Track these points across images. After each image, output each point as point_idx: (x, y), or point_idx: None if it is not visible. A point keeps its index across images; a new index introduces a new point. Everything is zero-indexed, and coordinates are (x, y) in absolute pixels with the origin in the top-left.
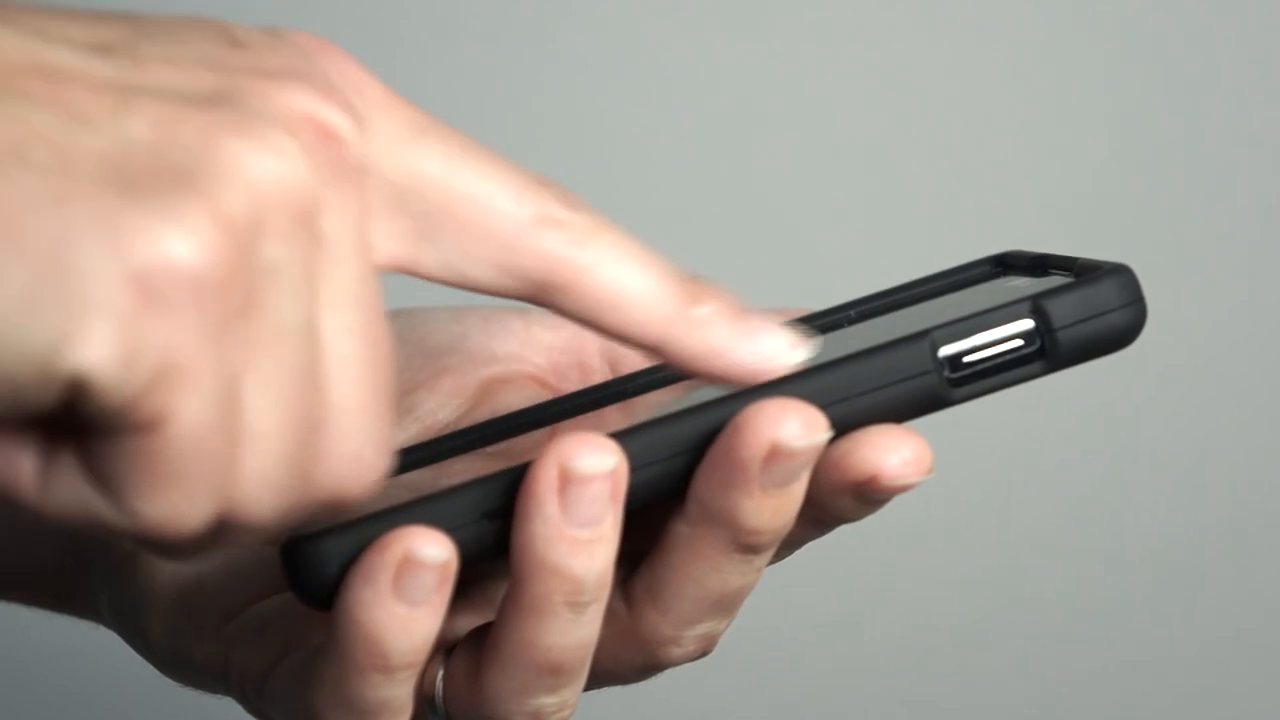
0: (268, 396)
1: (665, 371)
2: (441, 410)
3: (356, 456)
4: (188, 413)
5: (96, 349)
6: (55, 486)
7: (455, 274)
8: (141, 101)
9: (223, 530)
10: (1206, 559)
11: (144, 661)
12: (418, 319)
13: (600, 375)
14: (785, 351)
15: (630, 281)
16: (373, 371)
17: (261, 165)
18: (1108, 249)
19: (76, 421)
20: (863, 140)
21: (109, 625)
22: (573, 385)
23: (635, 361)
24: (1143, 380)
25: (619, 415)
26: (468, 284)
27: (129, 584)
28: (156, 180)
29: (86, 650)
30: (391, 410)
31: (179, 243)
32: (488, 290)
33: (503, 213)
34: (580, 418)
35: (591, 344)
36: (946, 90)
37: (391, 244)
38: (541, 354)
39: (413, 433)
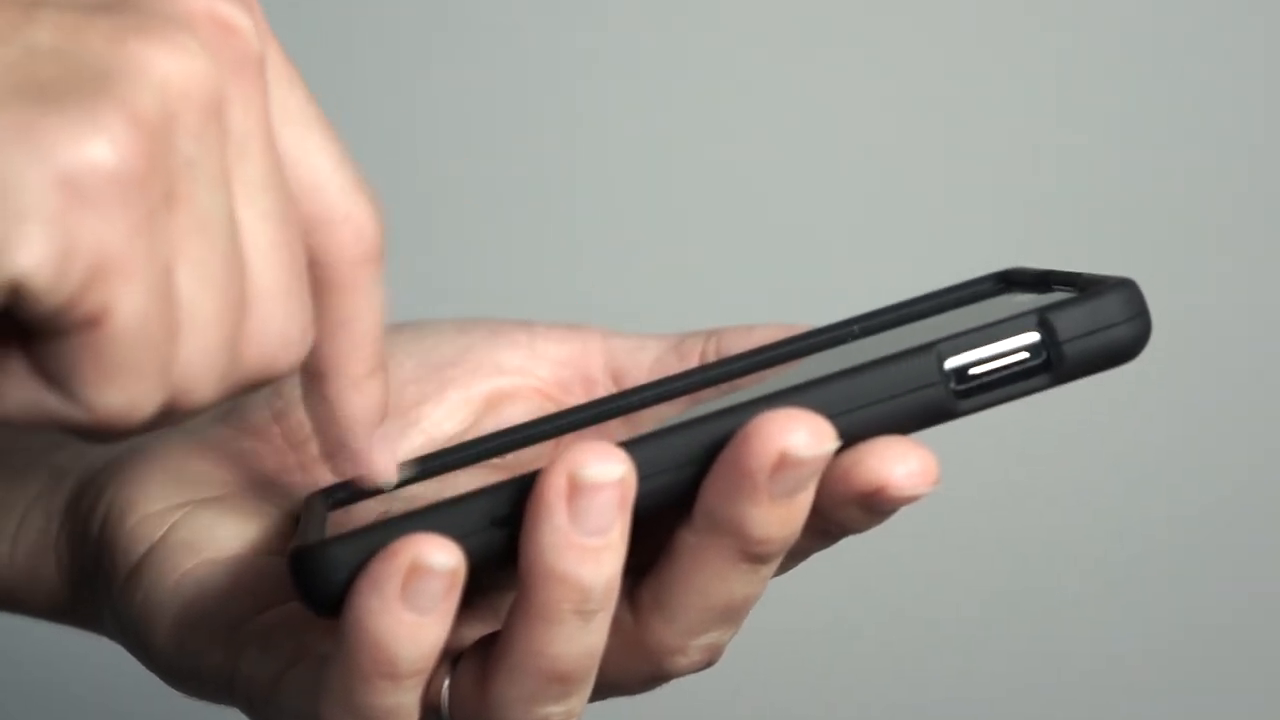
0: (199, 283)
1: (669, 386)
2: (447, 422)
3: (283, 334)
4: (126, 304)
5: (31, 253)
6: (8, 389)
7: None
8: (45, 12)
9: (169, 413)
10: (1207, 562)
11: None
12: (424, 331)
13: (604, 389)
14: (390, 470)
15: (366, 321)
16: (291, 254)
17: (168, 63)
18: (1112, 263)
19: (21, 325)
20: (869, 159)
21: (112, 637)
22: (577, 399)
23: (639, 376)
24: (1143, 391)
25: (623, 429)
26: None
27: (132, 597)
28: (69, 86)
29: (88, 655)
30: (308, 290)
31: (98, 144)
32: None
33: (328, 195)
34: (584, 431)
35: (596, 358)
36: (953, 109)
37: None
38: (546, 367)
39: (418, 444)
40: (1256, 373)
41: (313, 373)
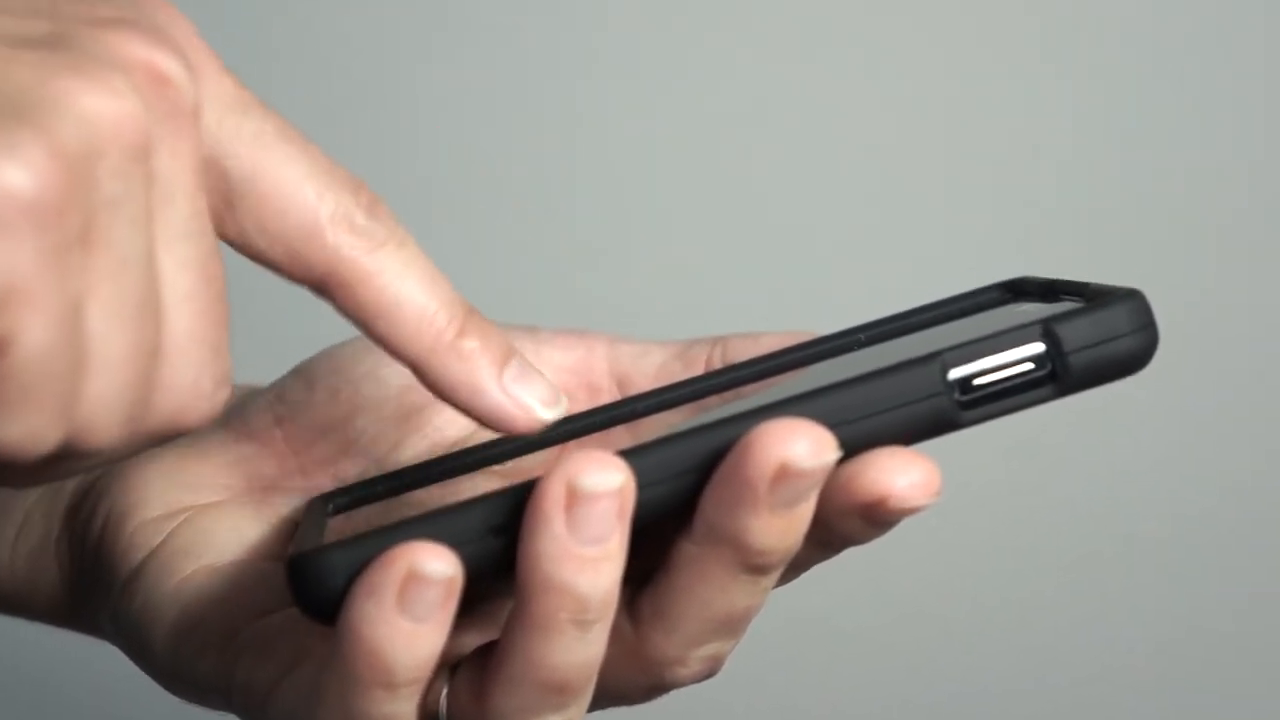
0: (110, 323)
1: (673, 393)
2: (450, 427)
3: (195, 386)
4: (31, 335)
5: None
6: None
7: (246, 244)
8: None
9: (68, 455)
10: (1208, 563)
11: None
12: None
13: (608, 395)
14: (539, 406)
15: (407, 298)
16: (209, 304)
17: (96, 101)
18: (1111, 265)
19: None
20: (869, 159)
21: (112, 641)
22: (581, 405)
23: (644, 382)
24: (1144, 390)
25: (626, 436)
26: (255, 257)
27: (131, 602)
28: None
29: (85, 659)
30: (227, 344)
31: (15, 172)
32: (273, 269)
33: (303, 203)
34: (588, 438)
35: (601, 364)
36: (955, 109)
37: None
38: (550, 374)
39: (421, 449)
40: (1258, 374)
41: (410, 367)
